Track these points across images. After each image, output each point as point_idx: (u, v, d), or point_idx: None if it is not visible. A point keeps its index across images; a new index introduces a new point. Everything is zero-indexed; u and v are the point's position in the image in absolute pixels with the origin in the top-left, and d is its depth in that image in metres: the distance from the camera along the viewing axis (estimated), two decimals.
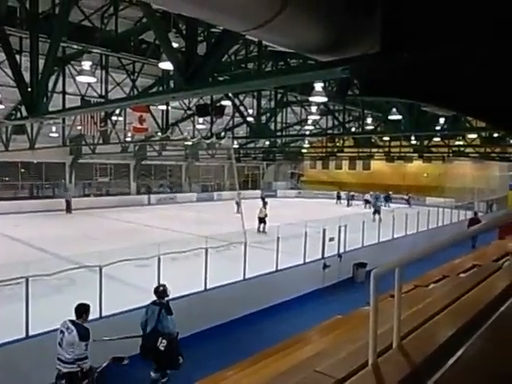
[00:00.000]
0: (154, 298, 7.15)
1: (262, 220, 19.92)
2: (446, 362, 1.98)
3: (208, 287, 9.51)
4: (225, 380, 4.39)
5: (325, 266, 12.76)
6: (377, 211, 23.90)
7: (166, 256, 9.11)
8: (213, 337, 8.89)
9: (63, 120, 19.74)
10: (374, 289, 2.16)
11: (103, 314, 7.75)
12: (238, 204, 26.81)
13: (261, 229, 18.98)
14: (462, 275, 4.69)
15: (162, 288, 7.26)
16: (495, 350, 2.06)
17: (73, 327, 5.70)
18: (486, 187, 32.12)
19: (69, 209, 27.75)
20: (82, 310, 5.87)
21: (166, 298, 7.17)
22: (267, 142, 27.07)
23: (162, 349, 6.70)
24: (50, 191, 31.05)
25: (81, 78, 10.42)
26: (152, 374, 7.05)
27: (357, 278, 13.35)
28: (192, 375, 4.76)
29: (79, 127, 17.70)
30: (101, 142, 21.45)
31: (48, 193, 30.84)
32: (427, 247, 2.12)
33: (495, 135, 17.97)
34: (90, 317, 6.30)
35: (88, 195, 32.30)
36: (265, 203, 22.45)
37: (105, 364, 5.82)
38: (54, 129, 22.81)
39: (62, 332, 5.78)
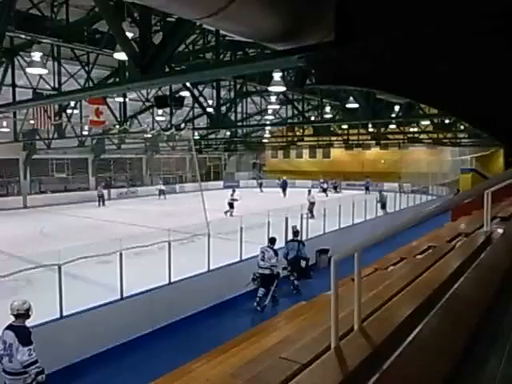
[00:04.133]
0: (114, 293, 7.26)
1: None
2: (404, 341, 2.06)
3: (172, 280, 9.42)
4: (192, 372, 4.38)
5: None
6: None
7: (129, 251, 8.95)
8: (177, 331, 8.87)
9: (14, 114, 18.89)
10: (334, 274, 2.20)
11: (64, 314, 7.53)
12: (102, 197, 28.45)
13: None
14: (418, 257, 4.86)
15: (296, 229, 12.00)
16: (447, 326, 2.16)
17: (269, 249, 10.57)
18: (439, 171, 33.42)
19: (103, 202, 28.84)
20: (274, 240, 10.88)
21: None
22: (228, 133, 26.96)
23: (304, 266, 11.26)
24: (4, 189, 29.71)
25: (31, 70, 9.97)
26: (295, 281, 11.24)
27: (320, 264, 13.59)
28: (152, 372, 4.72)
29: (32, 121, 17.03)
30: (56, 136, 20.66)
31: (1, 191, 29.50)
32: (383, 232, 2.18)
33: (447, 121, 18.65)
34: (49, 318, 6.20)
35: (44, 192, 31.15)
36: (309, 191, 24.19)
37: (286, 274, 11.06)
38: (4, 123, 21.77)
39: (262, 252, 10.52)
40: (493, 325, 2.13)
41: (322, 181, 34.73)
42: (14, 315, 5.49)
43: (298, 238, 11.76)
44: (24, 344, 5.24)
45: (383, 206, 21.00)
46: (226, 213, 21.20)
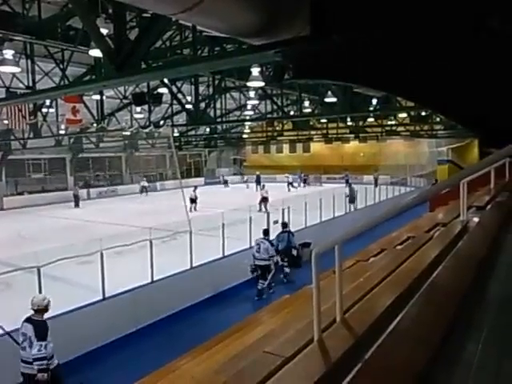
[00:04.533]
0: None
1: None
2: (385, 331, 2.10)
3: (155, 279, 9.36)
4: (177, 370, 4.37)
5: None
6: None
7: (110, 251, 8.85)
8: (161, 329, 8.82)
9: None
10: (315, 268, 2.22)
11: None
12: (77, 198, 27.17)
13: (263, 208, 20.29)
14: (398, 247, 4.94)
15: (284, 222, 12.83)
16: (427, 314, 2.20)
17: (265, 241, 11.01)
18: (417, 163, 33.95)
19: (77, 203, 27.39)
20: (267, 231, 11.48)
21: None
22: (208, 129, 26.82)
23: (295, 254, 11.87)
24: None
25: (3, 68, 9.71)
26: (285, 268, 11.80)
27: (302, 258, 13.66)
28: (138, 371, 4.70)
29: (6, 121, 16.65)
30: (32, 136, 20.22)
31: None
32: (363, 224, 2.21)
33: (423, 114, 18.94)
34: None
35: (21, 193, 30.51)
36: (263, 186, 25.71)
37: (281, 263, 11.54)
38: None
39: (258, 244, 10.94)
40: (469, 313, 2.18)
41: (287, 175, 35.18)
42: (34, 310, 5.85)
43: (288, 229, 12.35)
44: (38, 339, 5.61)
45: (352, 201, 20.20)
46: (195, 209, 22.67)
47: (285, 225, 12.54)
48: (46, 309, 5.92)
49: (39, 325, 5.75)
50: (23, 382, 5.84)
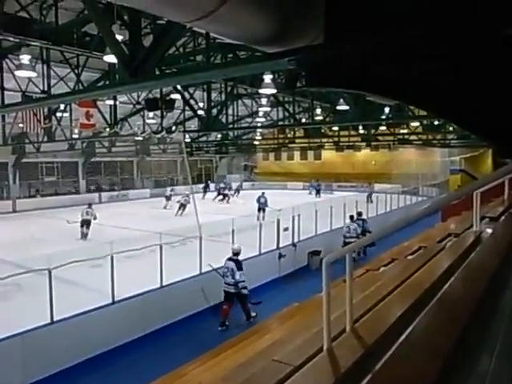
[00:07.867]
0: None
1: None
2: (396, 341, 2.07)
3: (164, 284, 9.38)
4: (186, 375, 4.37)
5: (280, 256, 12.92)
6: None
7: (120, 255, 8.89)
8: (170, 333, 8.83)
9: (3, 117, 18.72)
10: (326, 276, 2.21)
11: (55, 319, 7.46)
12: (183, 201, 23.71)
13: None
14: (409, 257, 4.89)
15: (359, 212, 15.83)
16: (439, 325, 2.17)
17: (353, 223, 14.43)
18: (429, 172, 33.67)
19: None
20: (352, 216, 14.91)
21: None
22: (219, 135, 26.91)
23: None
24: None
25: (20, 73, 9.87)
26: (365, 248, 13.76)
27: (312, 266, 13.62)
28: (145, 376, 4.71)
29: (21, 125, 16.89)
30: (45, 139, 20.47)
31: None
32: (372, 234, 2.20)
33: (436, 123, 18.81)
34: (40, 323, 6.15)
35: (34, 195, 30.86)
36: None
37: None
38: None
39: (348, 227, 14.14)
40: (483, 324, 2.15)
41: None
42: (233, 253, 9.59)
43: (362, 217, 15.50)
44: (239, 270, 9.26)
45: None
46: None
47: (360, 213, 15.69)
48: (239, 252, 9.66)
49: (238, 262, 9.42)
50: (225, 296, 9.43)
